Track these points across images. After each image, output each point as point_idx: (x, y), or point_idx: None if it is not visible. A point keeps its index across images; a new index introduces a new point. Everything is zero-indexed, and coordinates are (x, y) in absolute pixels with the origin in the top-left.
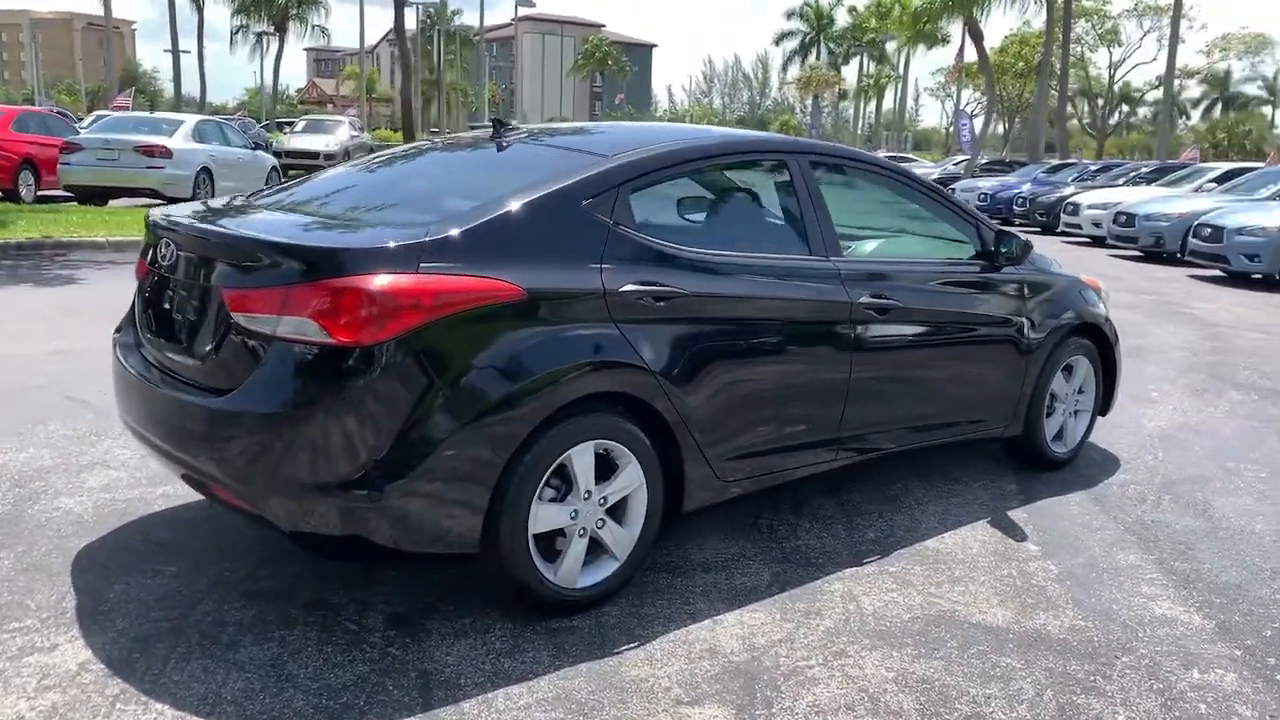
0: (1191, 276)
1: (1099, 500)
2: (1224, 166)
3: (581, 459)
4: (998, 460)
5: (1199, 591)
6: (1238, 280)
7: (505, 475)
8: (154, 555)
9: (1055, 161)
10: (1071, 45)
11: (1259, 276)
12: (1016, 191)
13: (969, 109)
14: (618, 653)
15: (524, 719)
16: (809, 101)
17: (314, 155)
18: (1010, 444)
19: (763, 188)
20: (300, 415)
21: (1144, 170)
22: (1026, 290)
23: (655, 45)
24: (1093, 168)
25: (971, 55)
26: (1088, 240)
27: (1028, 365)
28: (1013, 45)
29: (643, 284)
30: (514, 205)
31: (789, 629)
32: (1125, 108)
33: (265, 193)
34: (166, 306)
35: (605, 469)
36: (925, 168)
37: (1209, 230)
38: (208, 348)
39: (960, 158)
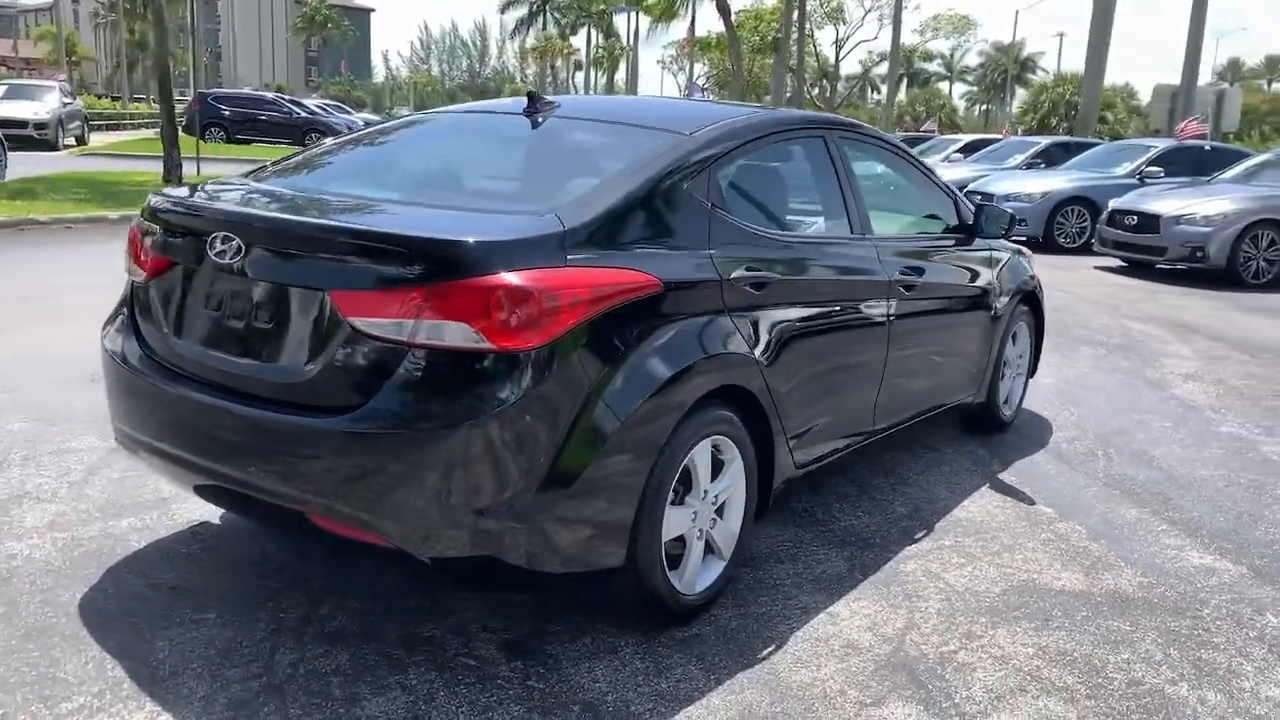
0: None
1: (1061, 458)
2: (966, 138)
3: (701, 457)
4: (955, 427)
5: (1209, 538)
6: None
7: (646, 481)
8: (176, 601)
9: None
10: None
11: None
12: None
13: (700, 82)
14: (763, 658)
15: None
16: (536, 71)
17: (22, 124)
18: (970, 411)
19: (810, 164)
20: (454, 433)
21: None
22: (994, 260)
23: (373, 10)
24: None
25: (703, 29)
26: None
27: (995, 333)
28: (749, 20)
29: (747, 270)
30: (632, 189)
31: (905, 615)
32: (844, 84)
33: (301, 172)
34: (222, 309)
35: (714, 466)
36: None
37: (979, 197)
38: (305, 359)
39: None
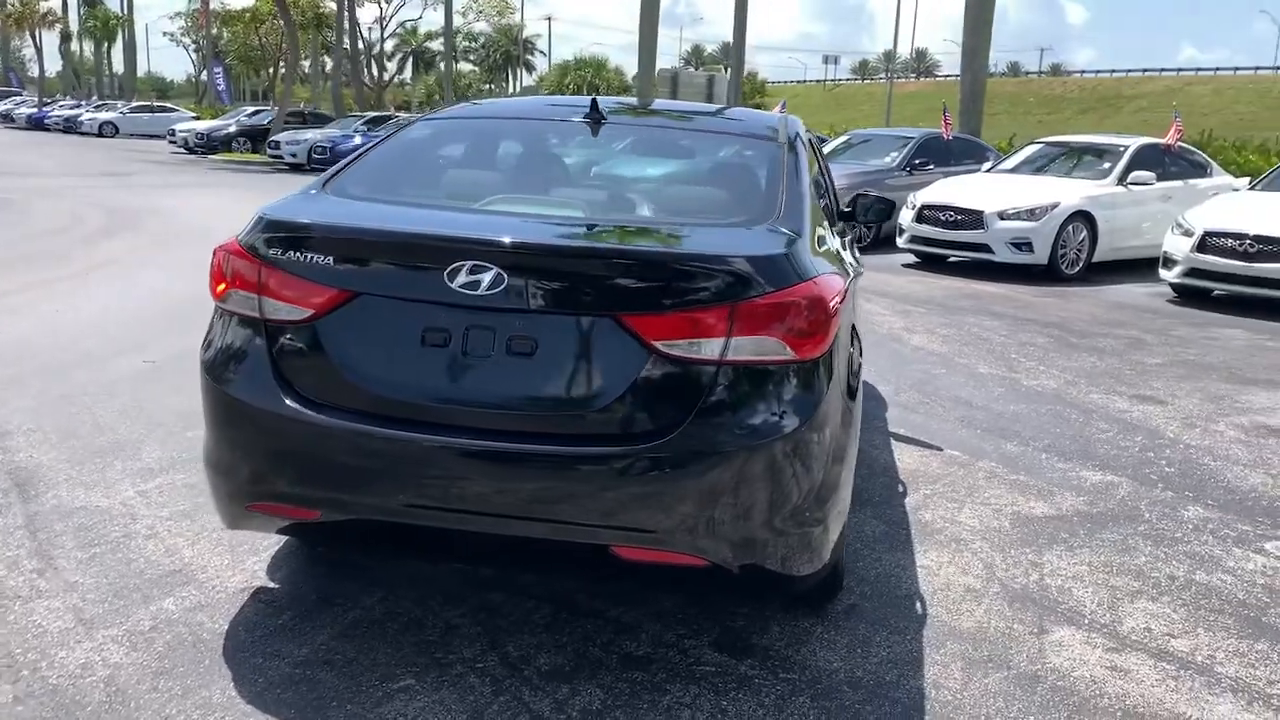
0: None
1: (922, 414)
2: None
3: None
4: None
5: (1079, 460)
6: None
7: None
8: (351, 677)
9: (374, 114)
10: None
11: None
12: (366, 142)
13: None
14: (921, 613)
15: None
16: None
17: None
18: None
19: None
20: (774, 445)
21: None
22: None
23: None
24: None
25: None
26: None
27: None
28: None
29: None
30: (800, 198)
31: (973, 557)
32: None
33: (417, 186)
34: (468, 344)
35: None
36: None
37: None
38: (599, 388)
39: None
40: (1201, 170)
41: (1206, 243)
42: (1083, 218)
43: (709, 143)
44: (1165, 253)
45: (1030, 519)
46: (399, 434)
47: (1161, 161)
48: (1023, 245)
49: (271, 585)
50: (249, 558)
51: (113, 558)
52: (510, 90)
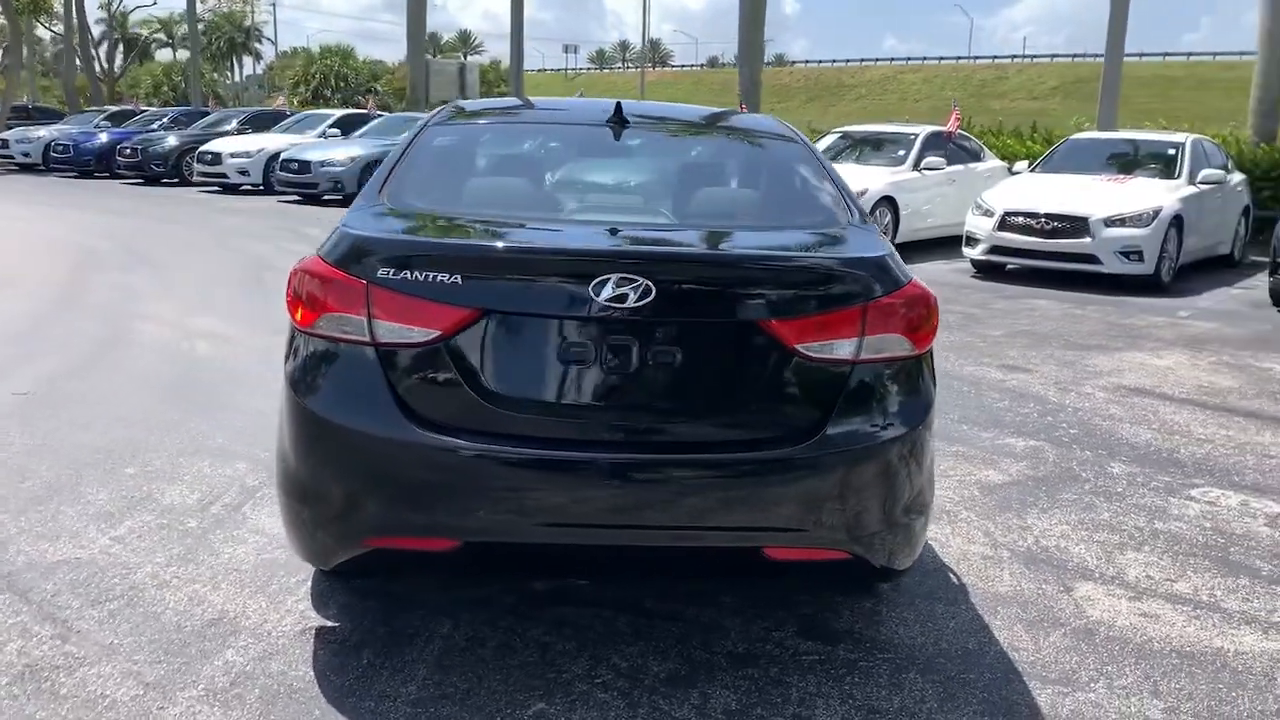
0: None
1: None
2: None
3: None
4: None
5: (996, 428)
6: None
7: None
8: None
9: (115, 109)
10: None
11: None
12: (115, 140)
13: None
14: (964, 583)
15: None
16: None
17: None
18: None
19: None
20: (908, 437)
21: (240, 118)
22: None
23: None
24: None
25: None
26: (220, 189)
27: None
28: None
29: None
30: (854, 199)
31: (987, 524)
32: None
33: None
34: (607, 356)
35: None
36: None
37: (296, 164)
38: (744, 393)
39: None
40: (975, 155)
41: (1006, 221)
42: (886, 202)
43: (745, 146)
44: (968, 232)
45: (994, 487)
46: (547, 454)
47: (944, 147)
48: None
49: (330, 624)
50: (286, 598)
51: (135, 613)
52: (231, 80)
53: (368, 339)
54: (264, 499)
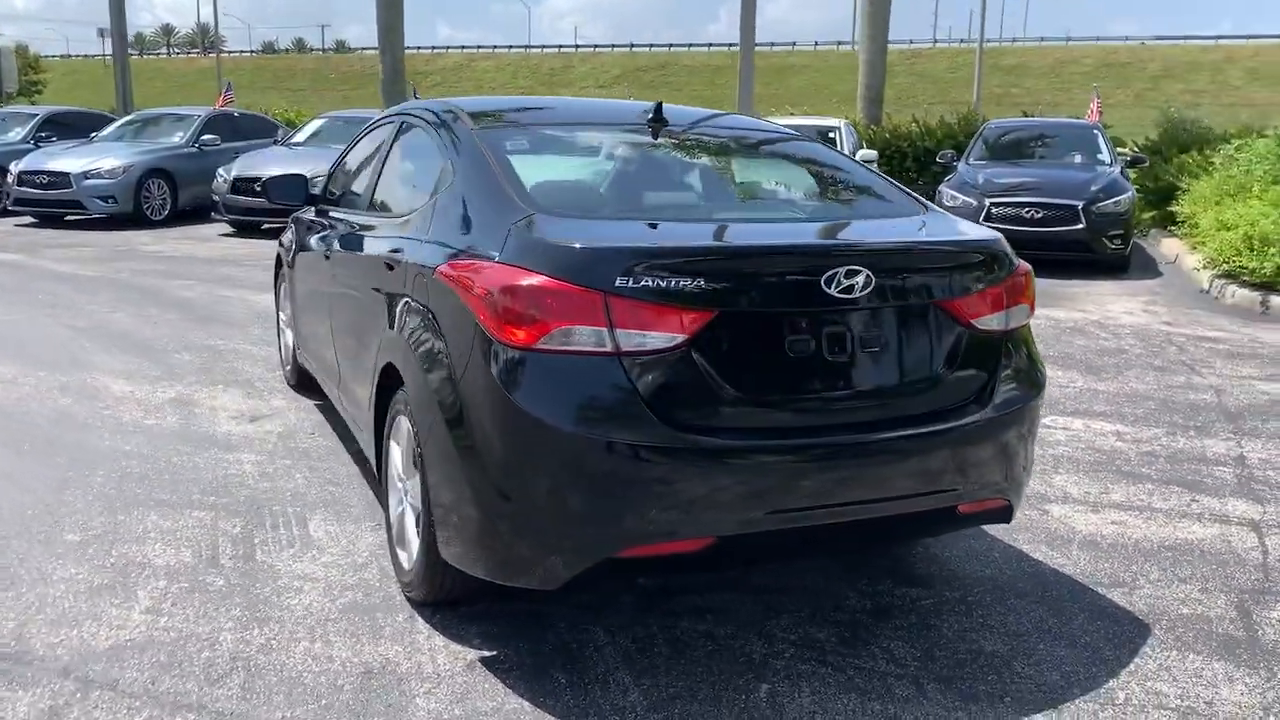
0: None
1: None
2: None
3: None
4: None
5: None
6: None
7: None
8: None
9: None
10: None
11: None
12: None
13: None
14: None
15: None
16: None
17: None
18: None
19: None
20: (1042, 391)
21: None
22: None
23: None
24: None
25: None
26: None
27: None
28: None
29: None
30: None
31: None
32: None
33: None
34: (831, 344)
35: None
36: None
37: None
38: (934, 367)
39: None
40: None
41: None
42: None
43: (785, 140)
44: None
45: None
46: (797, 442)
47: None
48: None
49: (488, 653)
50: (414, 638)
51: (271, 682)
52: None
53: (610, 349)
54: (267, 544)
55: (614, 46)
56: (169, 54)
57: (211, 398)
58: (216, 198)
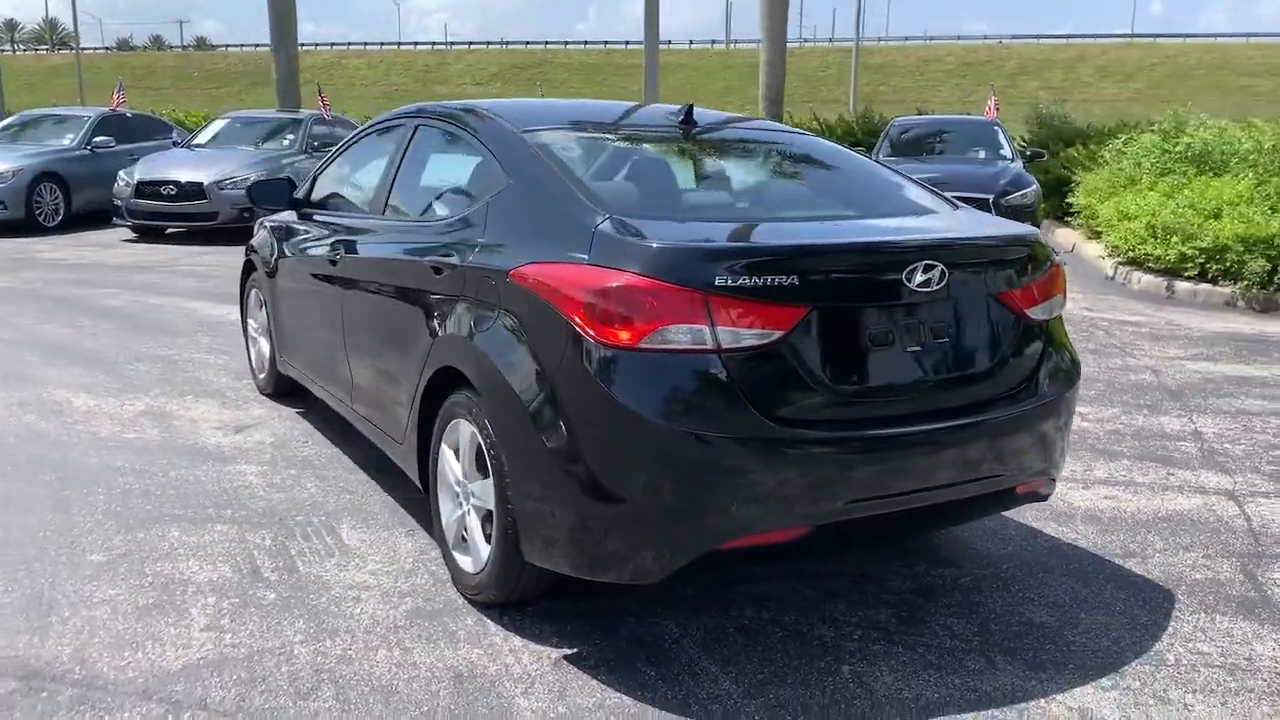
0: None
1: None
2: None
3: None
4: None
5: None
6: None
7: None
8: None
9: None
10: None
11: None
12: None
13: None
14: None
15: None
16: None
17: None
18: None
19: None
20: (1079, 380)
21: None
22: None
23: None
24: None
25: None
26: None
27: None
28: None
29: None
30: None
31: None
32: None
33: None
34: (905, 336)
35: None
36: None
37: None
38: (994, 355)
39: None
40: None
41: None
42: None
43: (809, 141)
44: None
45: None
46: (889, 431)
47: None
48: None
49: (570, 650)
50: (492, 640)
51: (366, 694)
52: None
53: (711, 346)
54: (305, 555)
55: (489, 43)
56: (14, 50)
57: (185, 409)
58: (119, 202)
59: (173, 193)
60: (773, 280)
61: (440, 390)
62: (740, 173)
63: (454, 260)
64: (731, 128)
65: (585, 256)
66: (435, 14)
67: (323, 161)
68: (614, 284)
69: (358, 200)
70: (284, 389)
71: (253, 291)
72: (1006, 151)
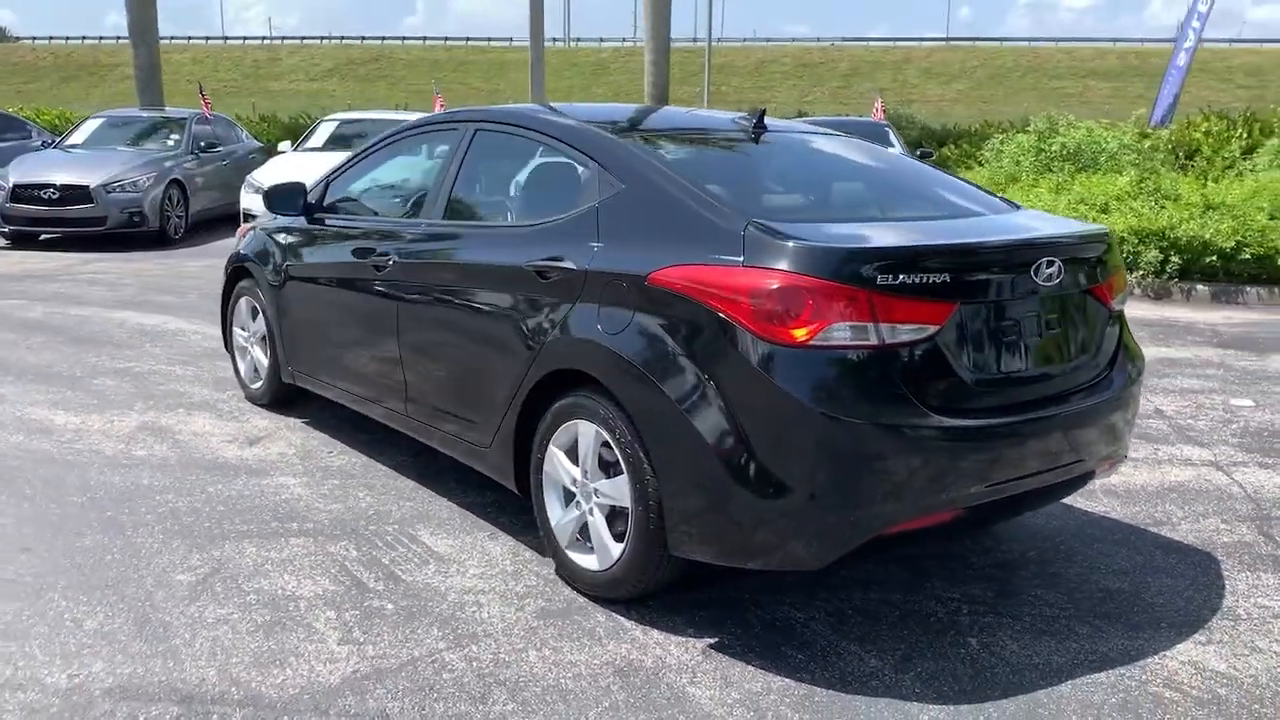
0: None
1: None
2: None
3: None
4: None
5: None
6: None
7: None
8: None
9: None
10: None
11: None
12: None
13: None
14: None
15: None
16: None
17: None
18: None
19: None
20: (1144, 365)
21: None
22: None
23: None
24: None
25: None
26: None
27: None
28: None
29: None
30: None
31: None
32: None
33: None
34: (1029, 327)
35: None
36: None
37: None
38: (1089, 345)
39: None
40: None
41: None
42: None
43: (861, 144)
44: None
45: None
46: (1028, 416)
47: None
48: None
49: (710, 640)
50: (652, 633)
51: (537, 692)
52: None
53: (875, 342)
54: (400, 564)
55: (323, 38)
56: None
57: (182, 423)
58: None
59: (54, 196)
60: (928, 278)
61: (546, 393)
62: (832, 176)
63: (567, 264)
64: (797, 133)
65: (739, 259)
66: (254, 7)
67: (338, 167)
68: (783, 285)
69: (401, 205)
70: (282, 399)
71: (242, 300)
72: (898, 151)
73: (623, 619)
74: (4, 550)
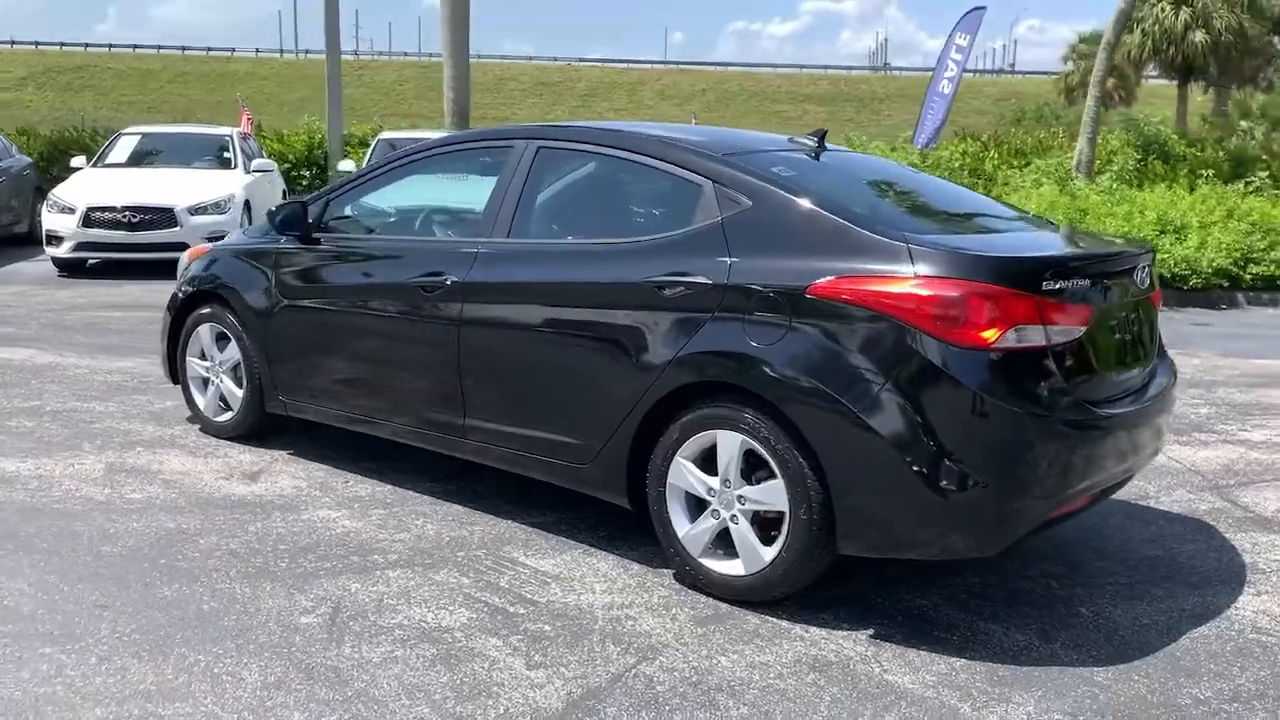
0: None
1: None
2: None
3: None
4: None
5: None
6: None
7: None
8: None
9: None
10: None
11: None
12: None
13: None
14: None
15: None
16: None
17: None
18: None
19: None
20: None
21: None
22: None
23: None
24: None
25: None
26: None
27: None
28: None
29: None
30: None
31: None
32: None
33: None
34: (1126, 328)
35: None
36: None
37: None
38: (1153, 344)
39: None
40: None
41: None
42: None
43: (894, 164)
44: (49, 231)
45: None
46: (1138, 407)
47: None
48: None
49: (901, 630)
50: (813, 630)
51: (757, 693)
52: None
53: (1044, 343)
54: (520, 585)
55: (15, 43)
56: None
57: (157, 463)
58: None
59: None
60: (1078, 284)
61: (668, 406)
62: (910, 191)
63: (698, 279)
64: (846, 153)
65: (910, 270)
66: None
67: (338, 186)
68: (969, 293)
69: (444, 224)
70: (257, 430)
71: (202, 329)
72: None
73: (778, 620)
74: (80, 609)
